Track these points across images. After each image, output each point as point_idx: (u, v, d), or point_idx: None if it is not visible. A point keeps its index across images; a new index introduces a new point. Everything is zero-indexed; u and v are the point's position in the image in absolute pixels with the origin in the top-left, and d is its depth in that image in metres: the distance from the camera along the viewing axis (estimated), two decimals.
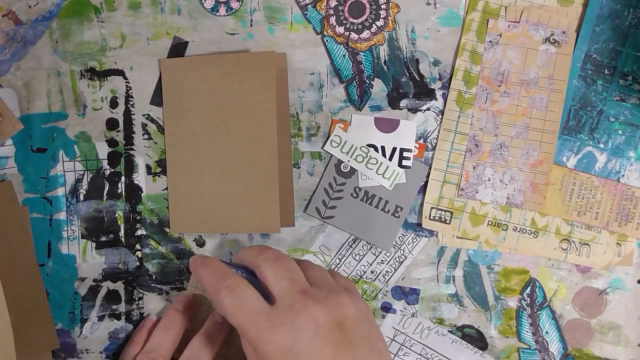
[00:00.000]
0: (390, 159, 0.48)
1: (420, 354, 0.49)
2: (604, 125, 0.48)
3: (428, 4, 0.48)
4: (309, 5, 0.48)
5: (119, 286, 0.49)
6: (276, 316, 0.37)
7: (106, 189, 0.49)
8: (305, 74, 0.49)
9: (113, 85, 0.49)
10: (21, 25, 0.48)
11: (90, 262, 0.49)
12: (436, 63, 0.48)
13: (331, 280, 0.41)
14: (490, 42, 0.48)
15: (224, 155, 0.47)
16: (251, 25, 0.48)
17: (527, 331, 0.49)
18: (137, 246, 0.49)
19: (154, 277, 0.49)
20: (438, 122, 0.49)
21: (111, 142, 0.49)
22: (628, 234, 0.48)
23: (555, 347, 0.49)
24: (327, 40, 0.48)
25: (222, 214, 0.48)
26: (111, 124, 0.49)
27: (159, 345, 0.46)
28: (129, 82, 0.49)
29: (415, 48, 0.48)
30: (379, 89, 0.49)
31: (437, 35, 0.48)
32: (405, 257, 0.49)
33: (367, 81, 0.49)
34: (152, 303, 0.49)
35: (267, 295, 0.39)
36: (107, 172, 0.49)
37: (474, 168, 0.48)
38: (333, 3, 0.48)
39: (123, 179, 0.49)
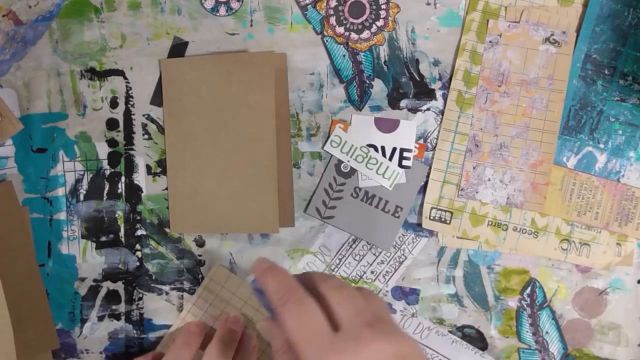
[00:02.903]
0: (390, 159, 0.48)
1: None
2: (604, 125, 0.48)
3: (428, 4, 0.48)
4: (309, 6, 0.48)
5: (119, 286, 0.49)
6: (341, 343, 0.36)
7: (106, 189, 0.49)
8: (305, 74, 0.49)
9: (113, 86, 0.49)
10: (21, 25, 0.48)
11: (90, 262, 0.49)
12: (436, 63, 0.48)
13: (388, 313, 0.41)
14: (490, 42, 0.48)
15: (223, 155, 0.47)
16: (251, 26, 0.48)
17: (527, 331, 0.49)
18: (137, 246, 0.49)
19: (153, 277, 0.49)
20: (438, 122, 0.49)
21: (111, 142, 0.49)
22: (628, 234, 0.48)
23: (555, 347, 0.49)
24: (327, 40, 0.48)
25: (221, 214, 0.48)
26: (111, 124, 0.49)
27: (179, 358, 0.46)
28: (129, 82, 0.49)
29: (415, 48, 0.48)
30: (379, 89, 0.49)
31: (437, 35, 0.48)
32: (405, 257, 0.49)
33: (367, 81, 0.48)
34: (152, 303, 0.49)
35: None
36: (107, 172, 0.49)
37: (474, 168, 0.48)
38: (333, 3, 0.48)
39: (123, 179, 0.49)
